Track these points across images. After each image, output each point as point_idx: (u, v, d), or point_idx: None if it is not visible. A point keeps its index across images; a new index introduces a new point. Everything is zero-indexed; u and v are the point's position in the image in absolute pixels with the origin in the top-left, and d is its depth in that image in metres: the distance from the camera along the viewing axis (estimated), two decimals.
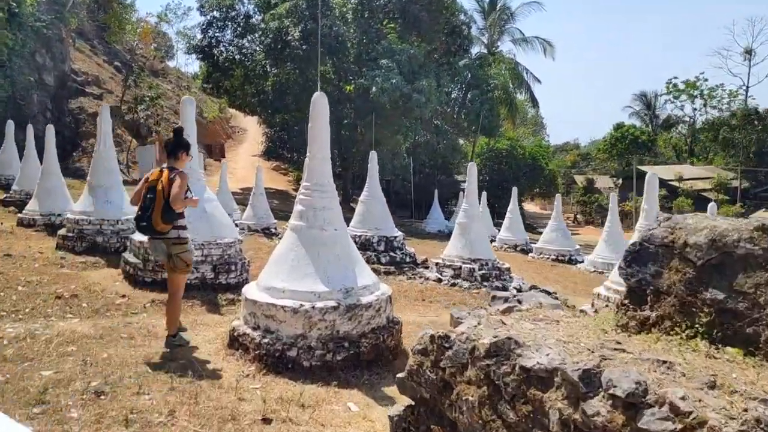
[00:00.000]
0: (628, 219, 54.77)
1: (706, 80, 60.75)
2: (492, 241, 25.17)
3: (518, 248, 23.05)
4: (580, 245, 25.24)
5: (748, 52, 58.08)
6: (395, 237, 13.86)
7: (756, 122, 50.49)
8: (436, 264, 11.15)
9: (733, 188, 50.62)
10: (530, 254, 21.10)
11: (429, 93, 29.96)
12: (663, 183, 51.30)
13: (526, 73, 42.45)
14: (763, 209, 48.01)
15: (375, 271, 12.67)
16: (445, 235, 30.64)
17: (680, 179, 50.91)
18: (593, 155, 74.35)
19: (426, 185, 43.78)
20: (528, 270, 16.78)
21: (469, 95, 34.92)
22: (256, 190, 18.81)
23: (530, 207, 69.08)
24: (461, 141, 48.44)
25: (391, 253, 13.68)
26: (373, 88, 29.74)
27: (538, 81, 43.33)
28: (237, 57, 36.68)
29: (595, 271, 16.81)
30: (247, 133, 58.44)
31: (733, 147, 51.90)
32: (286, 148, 38.62)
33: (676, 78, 63.81)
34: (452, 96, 36.85)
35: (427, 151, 39.72)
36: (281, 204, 31.41)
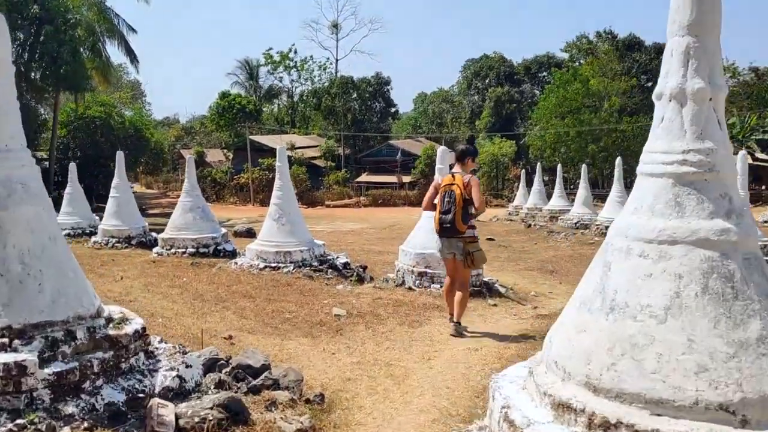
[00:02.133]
0: (244, 192, 50.53)
1: (296, 52, 60.09)
2: (92, 234, 16.34)
3: (134, 240, 14.98)
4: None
5: (335, 26, 59.41)
6: None
7: (352, 90, 51.48)
8: None
9: (337, 155, 50.90)
10: (155, 249, 13.38)
11: None
12: (275, 152, 48.25)
13: (118, 19, 32.64)
14: (366, 173, 49.43)
15: None
16: None
17: (293, 148, 48.55)
18: (197, 129, 67.84)
19: None
20: (158, 288, 9.25)
21: (42, 35, 23.95)
22: None
23: (136, 187, 58.60)
24: (38, 106, 35.63)
25: None
26: None
27: (134, 30, 33.92)
28: None
29: (267, 267, 10.35)
30: None
31: (334, 115, 52.07)
32: None
33: (271, 49, 61.55)
34: (20, 38, 25.09)
35: None
36: None
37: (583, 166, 20.11)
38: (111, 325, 3.57)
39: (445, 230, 5.76)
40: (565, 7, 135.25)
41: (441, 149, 8.96)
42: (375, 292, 8.69)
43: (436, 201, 5.91)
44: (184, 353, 3.92)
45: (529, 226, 21.78)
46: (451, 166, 6.14)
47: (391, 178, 46.00)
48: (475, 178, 5.81)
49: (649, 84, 49.36)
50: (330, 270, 10.28)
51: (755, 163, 37.66)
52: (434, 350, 5.45)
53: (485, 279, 8.99)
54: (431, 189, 5.99)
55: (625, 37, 49.25)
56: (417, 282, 8.66)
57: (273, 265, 10.37)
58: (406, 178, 44.64)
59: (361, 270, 10.62)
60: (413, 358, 5.21)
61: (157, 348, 3.90)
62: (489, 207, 35.90)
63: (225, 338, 6.18)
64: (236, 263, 10.86)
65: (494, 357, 5.21)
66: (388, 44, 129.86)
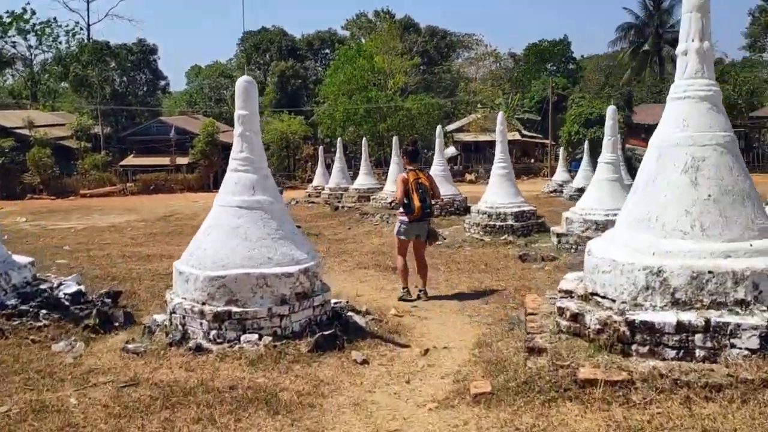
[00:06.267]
0: None
1: (33, 13, 48.24)
2: None
3: None
4: None
5: None
6: None
7: (109, 59, 42.64)
8: None
9: (94, 134, 41.82)
10: None
11: None
12: (9, 132, 37.51)
13: None
14: (132, 155, 41.40)
15: None
16: None
17: (31, 126, 38.30)
18: None
19: None
20: None
21: None
22: None
23: None
24: None
25: None
26: None
27: None
28: None
29: None
30: None
31: (87, 87, 42.60)
32: None
33: None
34: None
35: None
36: None
37: (395, 138, 17.34)
38: None
39: (426, 215, 6.57)
40: None
41: (242, 81, 4.82)
42: (127, 363, 4.23)
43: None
44: None
45: (336, 208, 18.42)
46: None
47: (165, 160, 38.97)
48: (431, 175, 7.09)
49: (423, 66, 49.53)
50: (45, 311, 5.43)
51: (523, 139, 39.77)
52: None
53: (334, 303, 5.15)
54: (402, 184, 6.53)
55: (401, 18, 48.77)
56: (214, 334, 4.42)
57: None
58: (183, 160, 38.13)
59: (106, 304, 5.93)
60: None
61: None
62: (285, 189, 31.95)
63: None
64: None
65: None
66: (154, 11, 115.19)
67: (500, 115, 11.28)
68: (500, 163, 11.28)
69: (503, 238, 10.28)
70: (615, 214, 8.72)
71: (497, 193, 11.06)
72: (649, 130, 41.11)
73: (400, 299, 6.48)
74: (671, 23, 45.40)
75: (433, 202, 6.67)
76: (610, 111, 9.30)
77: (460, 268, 8.54)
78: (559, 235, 8.80)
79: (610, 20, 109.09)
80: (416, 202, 6.40)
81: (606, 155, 9.32)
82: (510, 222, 10.53)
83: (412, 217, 6.47)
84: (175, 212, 23.95)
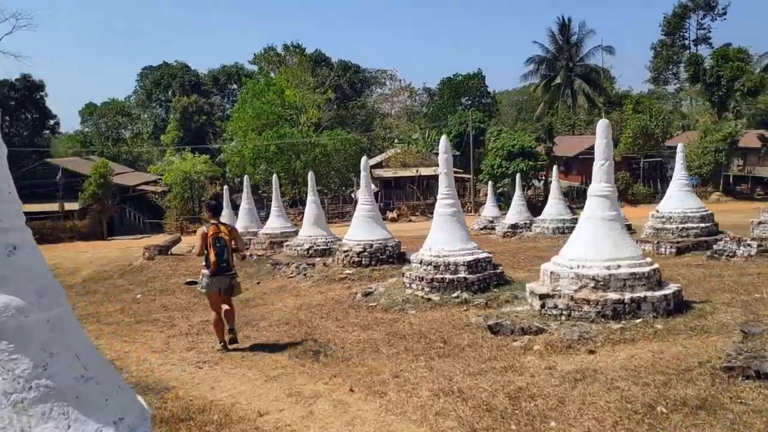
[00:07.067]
0: None
1: None
2: None
3: None
4: None
5: None
6: None
7: None
8: None
9: None
10: None
11: None
12: None
13: None
14: None
15: None
16: None
17: None
18: None
19: None
20: None
21: None
22: None
23: None
24: None
25: None
26: None
27: None
28: None
29: None
30: None
31: None
32: None
33: None
34: None
35: None
36: None
37: (311, 174, 14.71)
38: None
39: (221, 269, 6.51)
40: (247, 17, 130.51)
41: None
42: None
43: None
44: None
45: (244, 257, 15.34)
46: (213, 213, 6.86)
47: (54, 206, 33.96)
48: (235, 228, 7.20)
49: (337, 102, 47.66)
50: None
51: None
52: None
53: None
54: (201, 239, 6.61)
55: (312, 52, 46.78)
56: None
57: None
58: (72, 205, 33.35)
59: None
60: None
61: None
62: (185, 235, 28.17)
63: None
64: None
65: None
66: (45, 47, 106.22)
67: (443, 140, 9.02)
68: (446, 200, 8.93)
69: (455, 295, 7.88)
70: (618, 267, 6.53)
71: (444, 239, 8.66)
72: (567, 162, 41.00)
73: (219, 350, 6.64)
74: (580, 56, 46.21)
75: (236, 256, 6.72)
76: (602, 126, 6.90)
77: (410, 349, 6.01)
78: (542, 297, 6.38)
79: (521, 55, 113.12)
80: (212, 257, 6.45)
81: (599, 185, 6.73)
82: (463, 274, 8.12)
83: (210, 271, 6.51)
84: (56, 266, 19.78)
